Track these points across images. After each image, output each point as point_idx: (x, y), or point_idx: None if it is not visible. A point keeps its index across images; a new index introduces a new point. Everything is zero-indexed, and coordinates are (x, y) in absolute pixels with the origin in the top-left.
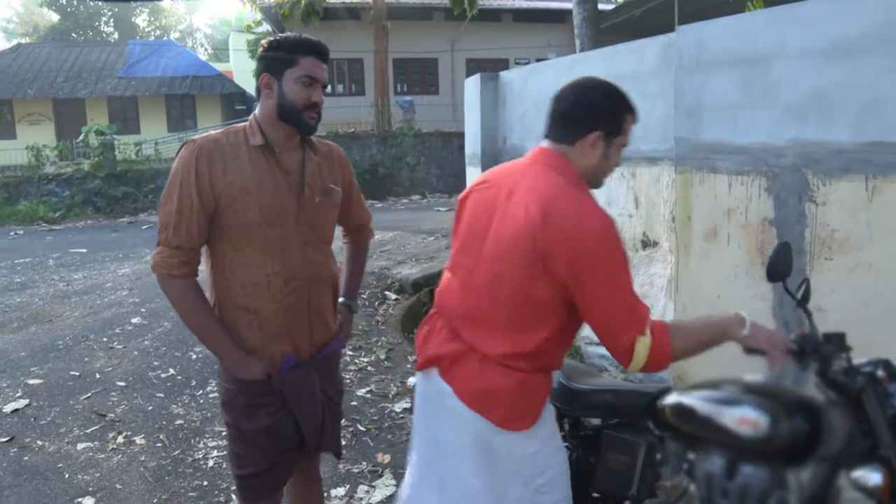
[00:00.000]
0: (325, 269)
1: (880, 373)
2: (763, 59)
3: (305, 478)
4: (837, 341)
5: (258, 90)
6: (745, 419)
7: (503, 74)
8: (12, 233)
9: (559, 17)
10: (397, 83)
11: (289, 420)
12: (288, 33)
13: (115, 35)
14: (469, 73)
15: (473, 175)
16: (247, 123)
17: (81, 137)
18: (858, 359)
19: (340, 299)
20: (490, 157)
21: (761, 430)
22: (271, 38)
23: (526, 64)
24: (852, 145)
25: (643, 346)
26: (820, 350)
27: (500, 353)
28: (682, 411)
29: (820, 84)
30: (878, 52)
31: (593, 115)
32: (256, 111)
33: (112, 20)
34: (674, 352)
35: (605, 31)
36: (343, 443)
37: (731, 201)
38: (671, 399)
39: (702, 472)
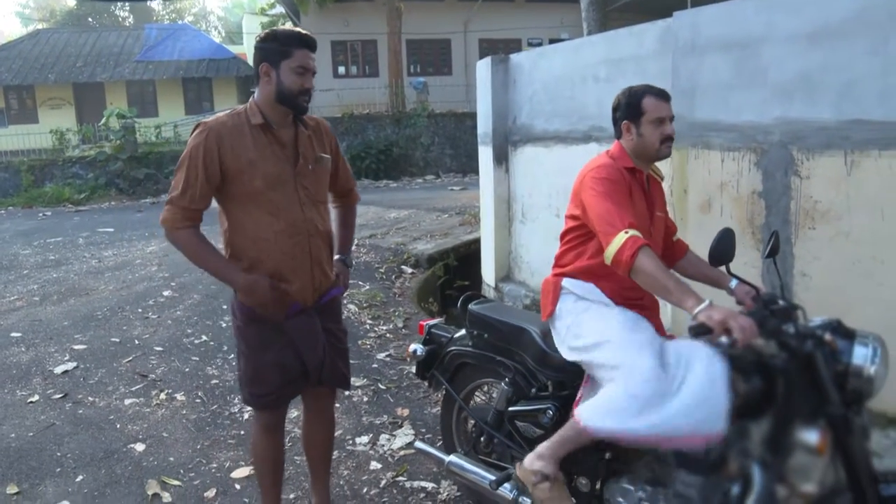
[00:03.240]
0: (322, 225)
1: (828, 336)
2: (752, 42)
3: (318, 414)
4: (782, 314)
5: (257, 76)
6: None
7: (513, 57)
8: (41, 214)
9: None
10: (411, 64)
11: (293, 357)
12: (282, 27)
13: (131, 19)
14: (482, 54)
15: (485, 154)
16: (247, 105)
17: (103, 121)
18: (813, 319)
19: (336, 256)
20: (500, 136)
21: None
22: (266, 31)
23: (539, 44)
24: (833, 123)
25: (618, 240)
26: (766, 326)
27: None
28: None
29: (804, 66)
30: (856, 36)
31: (616, 113)
32: (255, 95)
33: (127, 4)
34: (635, 262)
35: (616, 11)
36: (365, 399)
37: (723, 175)
38: None
39: None
